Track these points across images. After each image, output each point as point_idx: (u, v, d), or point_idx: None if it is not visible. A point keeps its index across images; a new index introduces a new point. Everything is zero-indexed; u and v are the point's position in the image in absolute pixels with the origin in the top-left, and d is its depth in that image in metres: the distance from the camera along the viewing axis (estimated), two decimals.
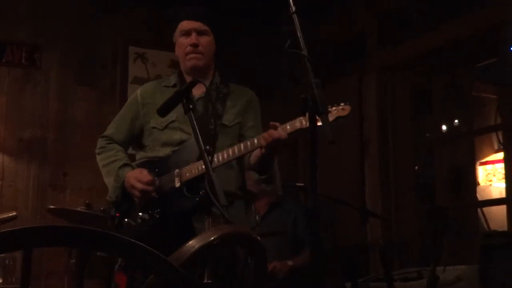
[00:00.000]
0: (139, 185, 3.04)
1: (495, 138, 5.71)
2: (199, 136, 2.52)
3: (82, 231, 1.30)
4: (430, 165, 5.45)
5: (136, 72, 5.78)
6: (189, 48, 3.18)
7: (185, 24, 3.22)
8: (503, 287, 3.43)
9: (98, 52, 5.70)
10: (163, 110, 2.81)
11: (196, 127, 2.55)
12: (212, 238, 1.54)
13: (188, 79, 3.24)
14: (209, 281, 2.28)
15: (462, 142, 5.33)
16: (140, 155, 3.28)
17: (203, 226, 2.90)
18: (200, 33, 3.18)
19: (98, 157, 3.36)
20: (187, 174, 2.99)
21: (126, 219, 3.13)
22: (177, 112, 2.96)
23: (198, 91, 3.17)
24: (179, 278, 1.39)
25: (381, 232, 5.01)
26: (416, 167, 5.42)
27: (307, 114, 2.53)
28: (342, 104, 2.78)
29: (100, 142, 3.38)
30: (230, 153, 2.91)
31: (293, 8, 2.38)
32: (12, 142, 5.33)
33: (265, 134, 2.81)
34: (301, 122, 2.76)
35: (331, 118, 2.70)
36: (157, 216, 3.04)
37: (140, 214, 3.09)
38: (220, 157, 2.92)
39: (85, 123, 5.57)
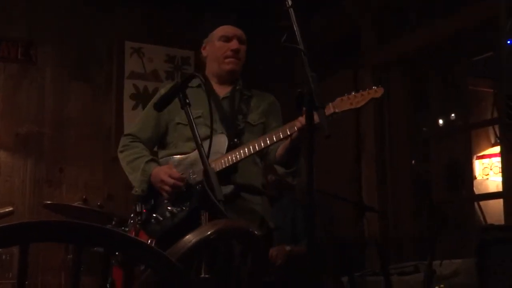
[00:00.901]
0: (171, 181, 3.09)
1: (491, 132, 5.70)
2: (196, 130, 2.53)
3: (78, 226, 1.30)
4: (427, 159, 5.46)
5: (132, 67, 5.78)
6: (230, 53, 3.30)
7: (228, 29, 3.34)
8: (500, 280, 3.43)
9: (94, 48, 5.69)
10: (160, 105, 2.84)
11: (193, 121, 2.57)
12: (209, 232, 1.54)
13: (214, 81, 3.37)
14: (206, 276, 2.28)
15: (458, 137, 5.33)
16: (162, 153, 3.34)
17: (234, 214, 3.00)
18: (241, 41, 3.34)
19: (121, 155, 3.37)
20: (218, 165, 3.07)
21: (154, 215, 3.18)
22: (203, 108, 3.09)
23: (223, 91, 3.35)
24: (176, 272, 1.39)
25: (378, 226, 5.01)
26: (413, 162, 5.42)
27: (336, 100, 2.88)
28: (374, 87, 2.98)
29: (124, 140, 3.41)
30: (267, 139, 3.00)
31: (290, 3, 2.38)
32: (9, 138, 5.33)
33: (301, 119, 2.85)
34: (333, 107, 2.90)
35: (365, 100, 2.92)
36: (187, 209, 3.08)
37: (168, 208, 3.14)
38: (257, 144, 3.01)
39: (81, 119, 5.56)
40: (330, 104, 2.93)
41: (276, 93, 3.55)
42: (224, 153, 3.11)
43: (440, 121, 5.68)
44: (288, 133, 2.96)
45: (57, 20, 5.57)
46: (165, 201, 3.17)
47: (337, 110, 2.92)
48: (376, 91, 2.96)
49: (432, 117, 5.48)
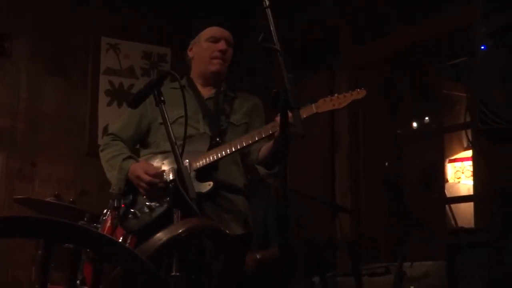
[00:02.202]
0: (147, 177, 3.10)
1: (464, 136, 5.76)
2: (170, 128, 2.55)
3: (48, 222, 1.29)
4: (400, 161, 5.49)
5: (108, 63, 5.74)
6: (217, 53, 3.34)
7: (217, 31, 3.39)
8: (469, 283, 3.47)
9: (70, 42, 5.64)
10: (135, 102, 2.84)
11: (168, 119, 2.59)
12: (180, 231, 1.54)
13: (199, 83, 3.40)
14: (177, 274, 2.28)
15: (431, 140, 5.38)
16: (144, 153, 3.35)
17: (214, 214, 3.08)
18: (228, 43, 3.39)
19: (101, 154, 3.39)
20: (199, 163, 3.09)
21: (132, 210, 3.18)
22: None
23: (207, 92, 3.39)
24: (146, 270, 1.39)
25: (350, 227, 5.03)
26: (386, 163, 5.46)
27: (319, 101, 2.95)
28: (357, 89, 3.06)
29: (105, 139, 3.44)
30: (249, 138, 3.04)
31: (267, 2, 2.38)
32: None
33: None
34: (316, 107, 2.97)
35: (347, 101, 3.00)
36: (165, 204, 3.08)
37: (147, 203, 3.14)
38: (239, 143, 3.05)
39: (55, 114, 5.52)
40: (313, 105, 2.98)
41: (252, 92, 3.57)
42: (206, 151, 3.13)
43: (414, 124, 5.73)
44: (270, 132, 2.99)
45: (33, 13, 5.51)
46: (144, 196, 3.17)
47: (319, 111, 2.97)
48: (359, 93, 3.04)
49: (406, 119, 5.52)
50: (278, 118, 2.87)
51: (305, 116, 2.96)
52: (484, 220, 4.05)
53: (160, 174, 3.12)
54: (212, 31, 3.39)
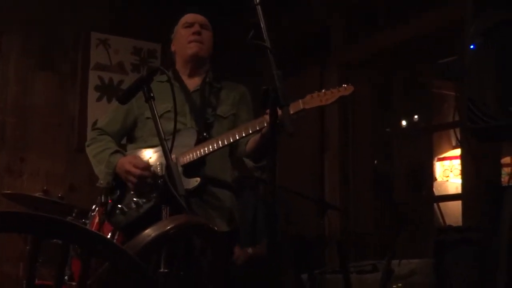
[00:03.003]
0: (136, 171, 3.07)
1: (453, 135, 5.78)
2: (159, 124, 2.54)
3: (36, 217, 1.29)
4: (389, 159, 5.51)
5: (98, 58, 5.73)
6: (192, 36, 3.35)
7: (189, 17, 3.42)
8: (457, 281, 3.49)
9: (60, 37, 5.63)
10: (124, 97, 2.83)
11: (157, 115, 2.58)
12: (168, 227, 1.54)
13: (184, 73, 3.40)
14: (165, 270, 2.28)
15: (420, 138, 5.40)
16: (131, 147, 3.33)
17: (201, 210, 3.05)
18: (203, 26, 3.39)
19: (88, 149, 3.37)
20: (186, 158, 3.08)
21: (119, 205, 3.16)
22: (171, 103, 3.03)
23: (192, 84, 3.37)
24: (134, 266, 1.39)
25: (339, 224, 5.05)
26: (375, 161, 5.47)
27: (306, 97, 2.93)
28: (344, 85, 3.04)
29: (91, 134, 3.42)
30: (236, 133, 3.02)
31: (257, 0, 2.38)
32: None
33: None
34: (303, 103, 2.94)
35: (334, 97, 2.97)
36: (153, 199, 3.07)
37: (134, 199, 3.12)
38: (226, 138, 3.03)
39: (44, 109, 5.50)
40: (300, 100, 2.96)
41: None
42: (193, 146, 3.12)
43: (403, 122, 5.75)
44: (258, 128, 2.98)
45: (23, 8, 5.49)
46: (131, 192, 3.15)
47: (306, 107, 2.95)
48: (346, 89, 3.01)
49: (396, 118, 5.54)
50: (267, 116, 2.88)
51: (292, 112, 2.92)
52: (472, 219, 4.07)
53: (149, 167, 3.10)
54: (185, 18, 3.44)
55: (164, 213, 2.45)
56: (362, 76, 5.30)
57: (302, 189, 4.86)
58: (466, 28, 3.43)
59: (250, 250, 4.59)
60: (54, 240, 1.40)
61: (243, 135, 3.03)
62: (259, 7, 2.37)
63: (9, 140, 5.34)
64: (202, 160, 3.12)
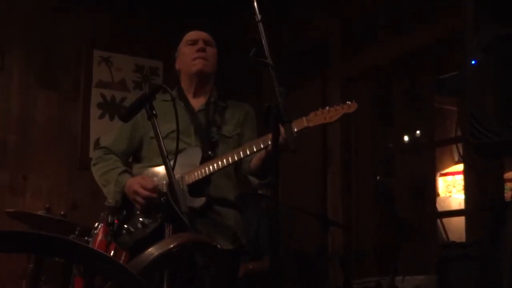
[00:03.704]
0: (144, 192, 3.07)
1: (455, 150, 5.78)
2: (162, 141, 2.53)
3: (39, 237, 1.29)
4: (391, 175, 5.50)
5: (100, 75, 5.74)
6: (196, 53, 3.33)
7: (192, 34, 3.42)
8: None
9: (62, 55, 5.65)
10: (126, 115, 2.82)
11: (160, 133, 2.57)
12: (172, 245, 1.53)
13: (189, 92, 3.39)
14: None
15: (423, 153, 5.39)
16: (137, 167, 3.33)
17: (205, 229, 3.05)
18: (207, 43, 3.37)
19: (94, 168, 3.35)
20: (190, 177, 3.09)
21: (125, 226, 3.15)
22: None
23: (197, 104, 3.36)
24: (137, 285, 1.38)
25: (342, 240, 5.03)
26: (378, 177, 5.46)
27: (310, 114, 2.95)
28: (348, 102, 3.03)
29: (97, 153, 3.40)
30: (241, 152, 3.03)
31: (259, 17, 2.39)
32: None
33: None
34: (307, 121, 2.95)
35: (338, 114, 2.97)
36: (159, 220, 3.06)
37: (140, 219, 3.12)
38: (230, 157, 3.04)
39: (47, 126, 5.51)
40: (304, 118, 2.96)
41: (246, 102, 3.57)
42: (198, 165, 3.12)
43: (406, 137, 5.74)
44: (262, 146, 2.98)
45: (24, 26, 5.52)
46: (138, 212, 3.15)
47: (310, 125, 2.95)
48: (350, 106, 3.01)
49: (398, 133, 5.54)
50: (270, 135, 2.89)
51: (296, 130, 2.94)
52: (476, 234, 4.05)
53: (156, 188, 3.10)
54: (189, 35, 3.43)
55: (167, 231, 2.44)
56: (363, 90, 5.30)
57: (305, 205, 4.85)
58: (466, 42, 3.44)
59: (251, 265, 4.59)
60: (57, 258, 1.40)
61: (248, 153, 3.03)
62: (260, 24, 2.37)
63: (11, 158, 5.35)
64: (207, 179, 3.12)
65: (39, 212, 4.57)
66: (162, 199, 2.91)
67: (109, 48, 5.81)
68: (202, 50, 3.34)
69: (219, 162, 3.07)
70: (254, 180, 3.28)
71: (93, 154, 3.52)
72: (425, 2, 4.64)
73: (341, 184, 5.21)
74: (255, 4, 2.39)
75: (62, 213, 4.74)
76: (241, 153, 3.04)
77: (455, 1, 4.11)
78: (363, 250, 5.07)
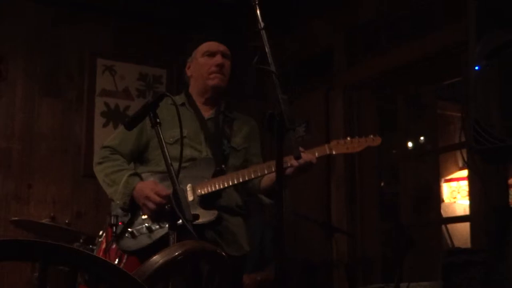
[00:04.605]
0: (157, 198, 3.03)
1: (459, 156, 5.77)
2: (166, 152, 2.51)
3: (44, 245, 1.29)
4: (395, 181, 5.50)
5: (104, 84, 5.75)
6: (214, 68, 3.29)
7: (212, 45, 3.35)
8: None
9: (65, 64, 5.66)
10: (130, 124, 2.80)
11: (164, 142, 2.54)
12: (177, 253, 1.53)
13: (198, 100, 3.38)
14: None
15: (427, 160, 5.38)
16: (143, 169, 3.28)
17: (214, 236, 3.10)
18: (225, 56, 3.34)
19: (99, 167, 3.29)
20: (202, 190, 3.11)
21: (129, 229, 3.12)
22: (188, 128, 3.15)
23: (207, 111, 3.35)
24: None
25: (346, 248, 5.02)
26: (382, 184, 5.46)
27: (332, 142, 3.10)
28: (372, 136, 3.17)
29: (103, 152, 3.33)
30: (258, 170, 3.09)
31: (262, 24, 2.39)
32: None
33: (292, 161, 2.93)
34: (329, 149, 3.10)
35: (361, 147, 3.12)
36: (165, 227, 3.02)
37: (146, 224, 3.10)
38: (247, 175, 3.10)
39: (50, 135, 5.52)
40: (326, 145, 3.08)
41: (250, 110, 3.60)
42: (210, 178, 3.14)
43: (409, 144, 5.74)
44: (274, 169, 3.00)
45: (28, 35, 5.53)
46: (143, 217, 3.13)
47: (333, 153, 3.10)
48: (374, 140, 3.14)
49: (401, 139, 5.53)
50: (293, 161, 2.95)
51: (317, 155, 3.06)
52: (481, 240, 4.04)
53: (169, 195, 3.10)
54: (207, 45, 3.35)
55: (171, 239, 2.44)
56: (367, 98, 5.30)
57: (309, 213, 4.85)
58: (470, 49, 3.43)
59: (258, 277, 4.57)
60: (61, 267, 1.40)
61: (263, 173, 3.11)
62: (263, 32, 2.37)
63: (16, 167, 5.36)
64: (218, 192, 3.14)
65: (44, 221, 4.58)
66: (166, 206, 2.90)
67: (112, 57, 5.82)
68: (221, 66, 3.31)
69: (233, 179, 3.11)
70: (265, 199, 3.30)
71: (97, 153, 3.40)
72: (427, 10, 4.64)
73: (345, 191, 5.20)
74: (258, 12, 2.40)
75: (66, 221, 4.76)
76: (258, 171, 3.10)
77: (458, 9, 4.11)
78: (368, 257, 5.06)
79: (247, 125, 3.45)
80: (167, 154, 2.49)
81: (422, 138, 5.74)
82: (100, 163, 3.30)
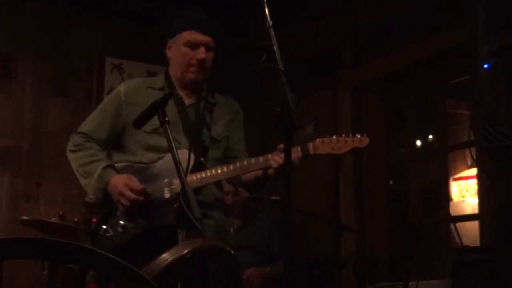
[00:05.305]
0: (131, 195, 2.89)
1: (468, 154, 5.75)
2: (175, 149, 2.48)
3: (53, 243, 1.29)
4: (404, 180, 5.49)
5: (112, 83, 5.76)
6: (195, 61, 3.08)
7: (196, 36, 3.09)
8: None
9: (73, 63, 5.68)
10: (139, 122, 2.76)
11: (172, 140, 2.50)
12: (185, 251, 1.54)
13: (177, 85, 3.17)
14: None
15: (435, 158, 5.37)
16: (119, 157, 3.11)
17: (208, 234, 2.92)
18: (208, 48, 3.10)
19: (73, 155, 3.14)
20: (178, 186, 2.84)
21: (103, 226, 2.97)
22: (168, 116, 2.85)
23: (187, 98, 3.15)
24: None
25: (355, 246, 5.02)
26: (390, 182, 5.45)
27: (316, 141, 2.85)
28: (358, 135, 2.92)
29: (76, 139, 3.16)
30: (232, 168, 2.92)
31: (270, 23, 2.39)
32: None
33: (278, 158, 2.81)
34: (314, 148, 2.86)
35: (347, 148, 2.87)
36: (142, 226, 2.92)
37: (121, 222, 2.94)
38: (220, 170, 2.92)
39: (59, 134, 5.53)
40: (310, 144, 2.87)
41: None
42: (189, 172, 2.88)
43: (418, 143, 5.73)
44: (260, 166, 2.91)
45: (37, 34, 5.55)
46: (118, 213, 2.97)
47: (316, 152, 2.87)
48: (361, 141, 2.93)
49: (410, 138, 5.52)
50: (277, 158, 2.80)
51: (301, 156, 2.86)
52: (490, 239, 4.03)
53: (144, 191, 2.93)
54: (190, 35, 3.10)
55: (180, 236, 2.43)
56: (375, 97, 5.30)
57: (318, 211, 4.84)
58: (478, 47, 3.42)
59: (266, 269, 4.58)
60: (70, 265, 1.40)
61: (246, 171, 2.95)
62: (271, 30, 2.37)
63: (25, 166, 5.38)
64: (198, 188, 2.94)
65: (53, 219, 4.60)
66: (175, 204, 2.79)
67: (120, 55, 5.83)
68: (203, 61, 3.09)
69: (215, 176, 2.94)
70: (244, 192, 3.20)
71: (71, 138, 3.21)
72: (435, 9, 4.63)
73: (353, 190, 5.20)
74: (266, 10, 2.39)
75: (75, 220, 4.76)
76: (241, 169, 2.94)
77: (465, 7, 4.10)
78: (376, 256, 5.05)
79: (230, 110, 3.25)
80: (176, 153, 2.45)
81: (430, 136, 5.72)
82: (73, 151, 3.16)
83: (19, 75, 5.46)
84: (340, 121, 5.33)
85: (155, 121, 2.84)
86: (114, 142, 3.16)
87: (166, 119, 2.55)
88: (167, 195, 2.91)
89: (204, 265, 2.18)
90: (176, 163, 2.44)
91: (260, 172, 2.98)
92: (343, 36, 5.38)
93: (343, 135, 2.90)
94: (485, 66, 3.24)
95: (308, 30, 5.68)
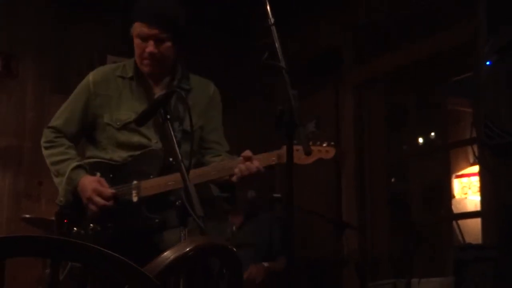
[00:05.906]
0: (100, 201, 2.81)
1: (470, 152, 5.75)
2: (177, 148, 2.43)
3: (55, 241, 1.29)
4: (406, 178, 5.48)
5: None
6: (146, 55, 2.93)
7: (143, 28, 2.93)
8: None
9: (75, 61, 5.67)
10: (140, 120, 2.70)
11: (174, 137, 2.46)
12: (187, 249, 1.54)
13: (144, 72, 3.02)
14: None
15: (437, 156, 5.37)
16: (91, 152, 3.02)
17: (169, 245, 2.79)
18: (159, 40, 2.92)
19: (45, 152, 3.06)
20: (147, 189, 2.81)
21: (74, 228, 2.89)
22: (136, 109, 2.81)
23: (158, 87, 3.00)
24: None
25: (356, 244, 5.02)
26: (392, 180, 5.45)
27: (282, 148, 2.60)
28: (325, 144, 2.74)
29: (47, 134, 3.09)
30: (195, 175, 2.69)
31: (272, 20, 2.38)
32: None
33: (242, 166, 2.72)
34: (278, 157, 2.69)
35: (312, 159, 2.66)
36: (110, 231, 2.83)
37: (91, 224, 2.86)
38: (196, 178, 2.72)
39: None
40: (276, 152, 2.70)
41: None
42: (156, 174, 2.83)
43: (420, 140, 5.72)
44: (225, 174, 2.78)
45: (38, 33, 5.55)
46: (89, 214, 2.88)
47: (280, 162, 2.68)
48: (327, 152, 2.74)
49: (412, 136, 5.52)
50: (241, 165, 2.68)
51: (264, 165, 2.71)
52: (492, 236, 4.03)
53: (113, 197, 2.84)
54: (139, 27, 2.95)
55: (182, 235, 2.42)
56: (376, 95, 5.30)
57: (319, 209, 4.84)
58: (480, 45, 3.42)
59: (266, 264, 4.59)
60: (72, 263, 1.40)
61: (204, 179, 2.79)
62: (273, 28, 2.36)
63: (26, 164, 5.37)
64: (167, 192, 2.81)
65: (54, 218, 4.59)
66: (177, 202, 2.69)
67: (122, 53, 5.82)
68: (152, 54, 2.91)
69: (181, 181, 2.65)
70: (215, 189, 3.06)
71: (44, 133, 3.11)
72: (437, 8, 4.63)
73: (355, 188, 5.20)
74: (268, 7, 2.39)
75: None
76: (210, 176, 2.79)
77: (467, 6, 4.10)
78: (378, 253, 5.06)
79: (205, 95, 3.07)
80: (178, 150, 2.41)
81: (432, 134, 5.72)
82: (45, 147, 3.08)
83: (21, 74, 5.46)
84: (341, 120, 5.33)
85: (122, 115, 2.85)
86: (88, 136, 3.06)
87: (168, 116, 2.50)
88: (135, 199, 2.83)
89: (206, 263, 2.18)
90: (178, 161, 2.41)
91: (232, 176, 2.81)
92: (344, 36, 5.38)
93: (310, 143, 2.66)
94: (487, 63, 3.23)
95: (309, 30, 5.68)
